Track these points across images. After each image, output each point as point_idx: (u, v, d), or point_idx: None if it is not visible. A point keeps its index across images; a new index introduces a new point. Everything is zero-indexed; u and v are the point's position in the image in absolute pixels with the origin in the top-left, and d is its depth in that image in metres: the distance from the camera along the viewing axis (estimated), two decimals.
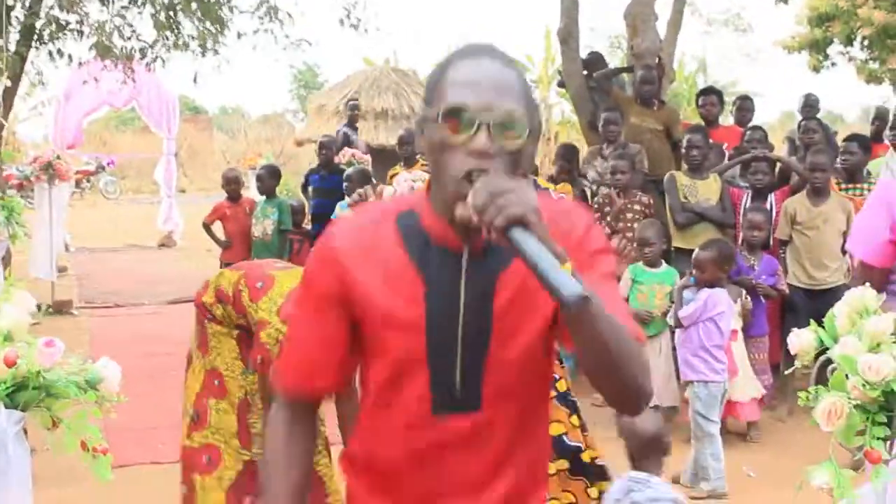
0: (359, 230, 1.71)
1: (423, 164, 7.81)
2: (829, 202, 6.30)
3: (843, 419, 2.52)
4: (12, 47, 8.72)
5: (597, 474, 3.46)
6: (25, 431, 2.69)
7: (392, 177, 7.90)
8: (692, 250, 5.58)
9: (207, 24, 8.95)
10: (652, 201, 6.86)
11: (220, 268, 7.71)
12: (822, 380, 2.71)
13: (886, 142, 7.62)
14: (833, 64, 16.97)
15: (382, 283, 1.66)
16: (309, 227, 8.64)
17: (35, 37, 8.96)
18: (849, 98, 64.91)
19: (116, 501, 4.50)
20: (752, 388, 5.78)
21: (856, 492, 2.53)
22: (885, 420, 2.52)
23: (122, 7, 8.83)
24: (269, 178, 8.22)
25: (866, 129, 8.69)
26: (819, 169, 6.30)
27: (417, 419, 1.68)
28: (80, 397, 2.64)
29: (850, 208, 6.29)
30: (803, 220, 6.32)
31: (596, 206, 6.90)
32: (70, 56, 9.15)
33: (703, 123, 7.83)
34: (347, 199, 7.68)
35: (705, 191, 6.70)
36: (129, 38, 8.87)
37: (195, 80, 9.44)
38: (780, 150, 8.51)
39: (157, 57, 9.13)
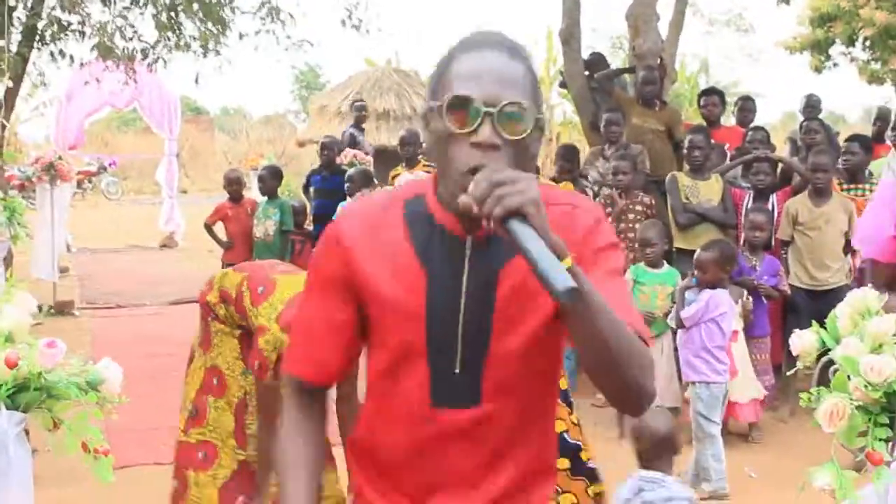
0: (365, 215, 1.71)
1: (424, 165, 7.81)
2: (831, 203, 6.30)
3: (845, 420, 2.52)
4: (14, 48, 8.75)
5: (591, 475, 3.46)
6: (27, 432, 2.70)
7: (394, 177, 7.90)
8: (694, 251, 5.58)
9: (209, 24, 8.97)
10: (653, 202, 6.86)
11: (222, 268, 7.73)
12: (824, 381, 2.71)
13: (888, 142, 7.61)
14: (835, 64, 16.96)
15: (385, 269, 1.66)
16: (311, 227, 8.64)
17: (37, 38, 8.98)
18: (850, 98, 65.06)
19: (118, 502, 4.50)
20: (752, 389, 5.77)
21: (858, 493, 2.53)
22: (887, 421, 2.52)
23: (124, 8, 8.85)
24: (271, 179, 8.23)
25: (868, 130, 8.68)
26: (821, 169, 6.30)
27: (416, 411, 1.68)
28: (82, 398, 2.65)
29: (852, 209, 6.29)
30: (805, 221, 6.31)
31: None
32: (72, 57, 9.17)
33: (704, 124, 7.82)
34: (349, 200, 7.70)
35: (707, 191, 6.70)
36: (131, 39, 8.89)
37: (197, 81, 9.47)
38: (782, 150, 8.50)
39: (158, 58, 9.14)
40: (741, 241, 6.41)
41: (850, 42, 16.21)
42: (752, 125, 7.88)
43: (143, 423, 5.31)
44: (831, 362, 2.70)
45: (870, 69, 16.66)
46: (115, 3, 8.80)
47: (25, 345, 2.63)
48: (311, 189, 9.23)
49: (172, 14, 8.89)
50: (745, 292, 5.87)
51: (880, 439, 2.50)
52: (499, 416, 1.68)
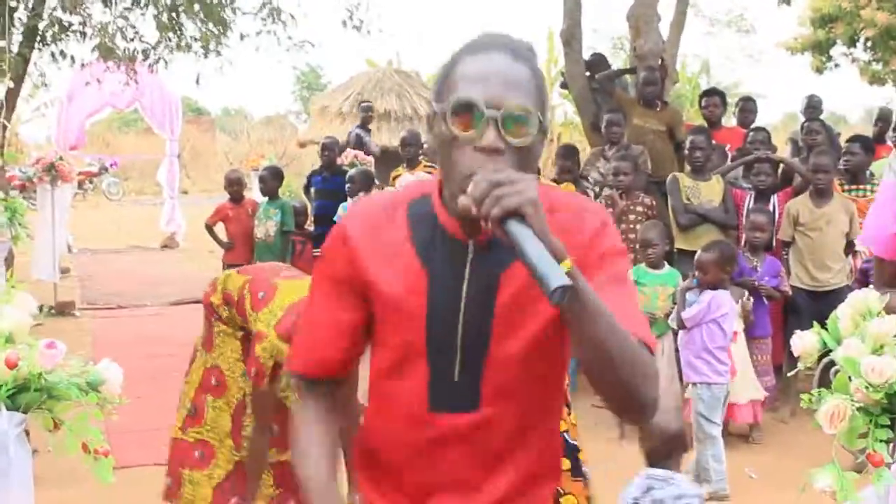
0: (370, 215, 1.71)
1: (425, 166, 7.81)
2: (832, 203, 6.30)
3: (846, 421, 2.52)
4: (15, 49, 8.75)
5: (585, 478, 3.44)
6: (27, 433, 2.70)
7: (394, 178, 7.91)
8: (695, 252, 5.57)
9: (210, 25, 8.97)
10: (654, 203, 6.86)
11: (223, 269, 7.72)
12: (825, 382, 2.70)
13: (889, 143, 7.63)
14: (836, 65, 16.95)
15: (388, 270, 1.66)
16: (311, 228, 8.64)
17: (38, 38, 8.98)
18: (852, 99, 64.96)
19: (118, 503, 4.50)
20: (750, 391, 5.76)
21: (858, 494, 2.52)
22: (888, 422, 2.52)
23: (125, 8, 8.85)
24: (272, 180, 8.22)
25: (869, 131, 8.68)
26: (822, 170, 6.29)
27: (415, 415, 1.67)
28: (82, 399, 2.65)
29: (853, 209, 6.28)
30: (806, 222, 6.31)
31: None
32: (73, 57, 9.18)
33: (705, 125, 7.82)
34: (350, 201, 7.70)
35: (708, 192, 6.70)
36: (132, 40, 8.90)
37: (198, 82, 9.49)
38: (783, 151, 8.50)
39: (159, 58, 9.15)
40: (742, 242, 6.41)
41: (852, 43, 16.20)
42: (753, 126, 7.88)
43: (144, 424, 5.31)
44: (832, 363, 2.70)
45: (871, 70, 16.66)
46: (116, 3, 8.81)
47: (26, 345, 2.63)
48: (312, 190, 9.23)
49: (173, 15, 8.89)
50: (746, 293, 5.87)
51: (881, 441, 2.50)
52: (498, 420, 1.67)
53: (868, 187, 6.62)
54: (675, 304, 5.54)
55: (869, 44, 16.06)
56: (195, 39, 9.04)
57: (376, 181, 8.36)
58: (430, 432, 1.67)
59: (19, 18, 8.81)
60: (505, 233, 1.43)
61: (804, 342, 2.80)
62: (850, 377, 2.56)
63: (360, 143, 11.07)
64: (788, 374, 3.61)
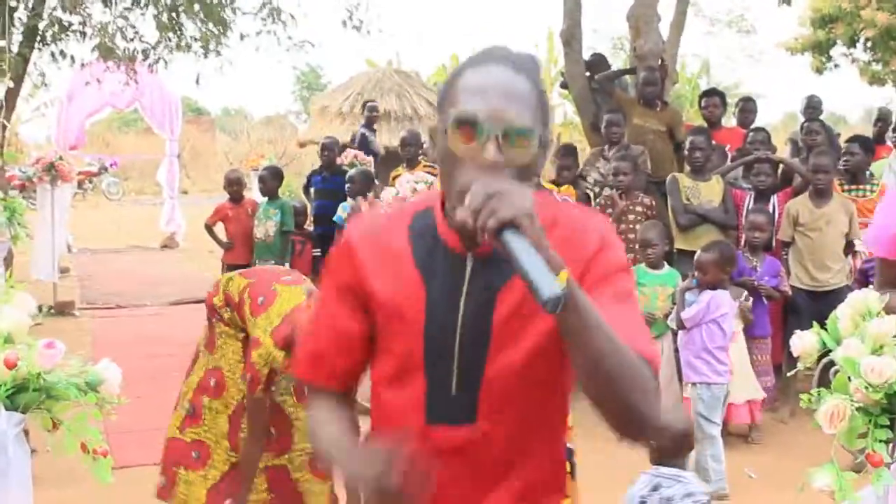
0: (374, 227, 1.73)
1: (425, 166, 7.81)
2: (832, 204, 6.29)
3: (846, 421, 2.51)
4: (15, 48, 8.75)
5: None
6: (26, 433, 2.69)
7: (394, 178, 7.90)
8: (694, 252, 5.57)
9: (210, 25, 8.98)
10: (654, 203, 6.86)
11: (223, 269, 7.73)
12: (824, 382, 2.70)
13: (889, 143, 7.63)
14: (836, 65, 16.95)
15: (388, 281, 1.67)
16: (311, 228, 8.64)
17: (38, 38, 8.99)
18: (852, 100, 64.94)
19: (117, 503, 4.50)
20: (748, 391, 5.75)
21: (857, 494, 2.52)
22: (888, 423, 2.52)
23: (125, 8, 8.86)
24: (272, 180, 8.22)
25: (869, 131, 8.68)
26: (821, 170, 6.29)
27: (411, 427, 1.66)
28: (81, 399, 2.64)
29: (853, 210, 6.28)
30: (806, 222, 6.31)
31: (598, 207, 6.89)
32: (73, 57, 9.18)
33: (705, 125, 7.82)
34: (349, 201, 7.70)
35: (708, 192, 6.70)
36: (132, 40, 8.90)
37: (198, 82, 9.49)
38: (783, 151, 8.50)
39: (159, 58, 9.15)
40: (742, 242, 6.41)
41: (852, 43, 16.20)
42: (752, 126, 7.88)
43: (143, 424, 5.30)
44: (832, 363, 2.70)
45: (871, 70, 16.66)
46: (116, 3, 8.82)
47: (25, 345, 2.63)
48: (312, 190, 9.23)
49: (173, 15, 8.90)
50: (745, 293, 5.87)
51: (880, 441, 2.50)
52: (496, 434, 1.65)
53: (867, 187, 6.62)
54: (674, 304, 5.54)
55: (869, 44, 16.06)
56: (195, 39, 9.04)
57: (376, 181, 8.36)
58: (427, 446, 1.65)
59: (19, 18, 8.81)
60: (501, 244, 1.43)
61: (804, 342, 2.79)
62: (849, 377, 2.56)
63: (364, 143, 11.09)
64: (788, 374, 3.61)
